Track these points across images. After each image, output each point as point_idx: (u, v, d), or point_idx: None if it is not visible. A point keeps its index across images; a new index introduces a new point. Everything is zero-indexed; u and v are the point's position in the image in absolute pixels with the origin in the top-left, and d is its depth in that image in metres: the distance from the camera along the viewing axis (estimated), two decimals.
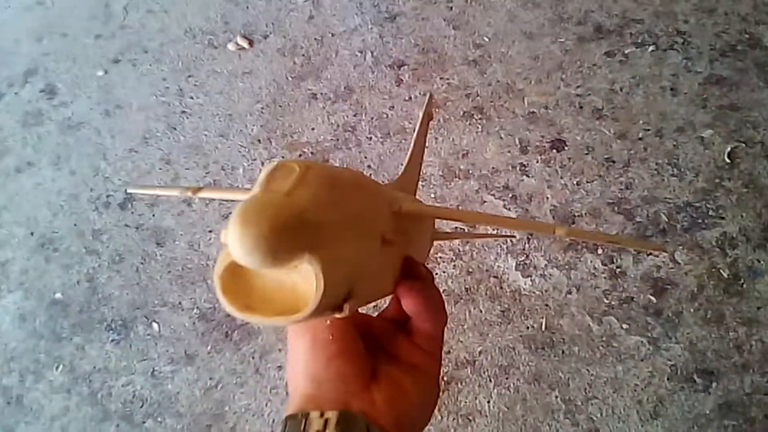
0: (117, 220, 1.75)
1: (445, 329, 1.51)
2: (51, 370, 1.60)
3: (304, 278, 0.37)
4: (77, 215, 1.77)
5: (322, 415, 0.43)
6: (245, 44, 1.97)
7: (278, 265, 0.35)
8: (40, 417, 1.56)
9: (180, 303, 1.63)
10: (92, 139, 1.88)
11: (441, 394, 1.47)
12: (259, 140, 1.81)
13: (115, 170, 1.82)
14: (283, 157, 1.71)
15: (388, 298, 0.53)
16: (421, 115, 0.69)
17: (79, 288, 1.68)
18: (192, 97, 1.91)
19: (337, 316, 0.39)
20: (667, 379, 1.45)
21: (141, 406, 1.54)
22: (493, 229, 1.57)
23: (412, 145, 0.67)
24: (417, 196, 0.67)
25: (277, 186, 0.37)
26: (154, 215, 1.74)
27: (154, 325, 1.61)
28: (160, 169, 1.80)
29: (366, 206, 0.44)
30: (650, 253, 1.56)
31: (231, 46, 1.98)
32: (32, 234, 1.77)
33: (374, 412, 0.45)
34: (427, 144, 0.76)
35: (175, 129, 1.87)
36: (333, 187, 0.39)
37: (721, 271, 1.54)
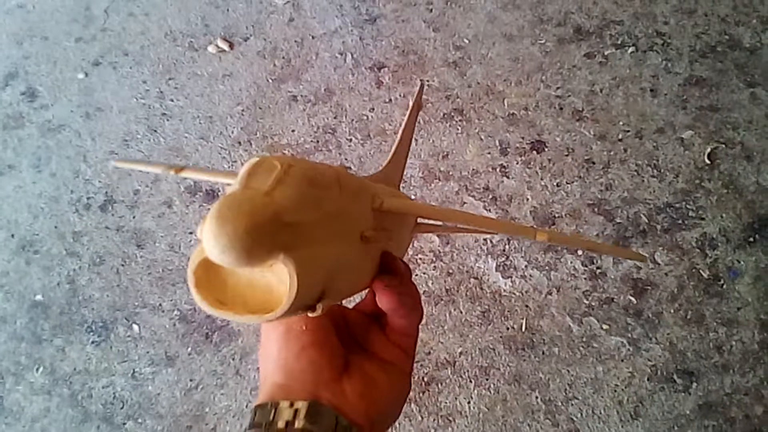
0: (97, 222, 1.74)
1: (426, 330, 1.51)
2: (31, 371, 1.60)
3: (278, 278, 0.37)
4: (58, 217, 1.77)
5: (291, 405, 0.43)
6: (225, 47, 1.97)
7: (252, 264, 0.35)
8: (20, 418, 1.55)
9: (160, 305, 1.63)
10: (73, 142, 1.87)
11: (421, 394, 1.47)
12: (239, 142, 1.81)
13: (95, 172, 1.82)
14: None
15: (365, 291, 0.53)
16: (411, 104, 0.68)
17: (59, 290, 1.67)
18: (172, 100, 1.91)
19: (310, 315, 0.39)
20: (648, 379, 1.46)
21: (121, 408, 1.54)
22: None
23: (399, 134, 0.67)
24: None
25: (257, 183, 0.36)
26: (134, 217, 1.73)
27: (135, 326, 1.61)
28: (140, 171, 1.80)
29: (346, 205, 0.43)
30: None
31: (211, 49, 1.97)
32: (13, 236, 1.76)
33: (345, 404, 0.45)
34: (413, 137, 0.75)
35: (155, 131, 1.86)
36: (314, 186, 0.39)
37: (701, 271, 1.54)
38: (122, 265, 1.68)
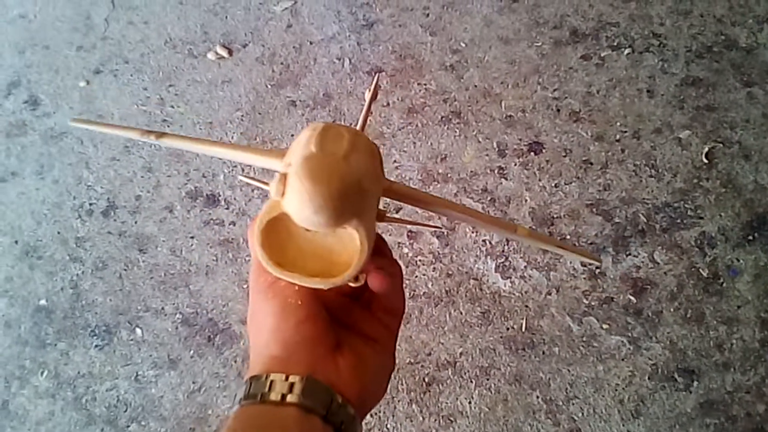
0: (100, 228, 1.75)
1: (426, 331, 1.51)
2: (36, 375, 1.60)
3: (341, 243, 0.39)
4: (61, 223, 1.78)
5: (286, 378, 0.43)
6: (225, 53, 1.98)
7: (335, 226, 0.37)
8: (25, 422, 1.56)
9: (163, 308, 1.63)
10: (75, 149, 1.89)
11: (422, 395, 1.47)
12: None
13: (97, 179, 1.83)
14: None
15: None
16: (368, 95, 0.67)
17: (63, 295, 1.68)
18: (173, 106, 1.92)
19: (353, 285, 0.41)
20: (648, 378, 1.46)
21: (125, 411, 1.54)
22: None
23: (361, 122, 0.65)
24: None
25: (332, 149, 0.37)
26: (136, 222, 1.75)
27: (138, 330, 1.62)
28: (142, 177, 1.81)
29: (379, 179, 0.45)
30: (629, 254, 1.57)
31: (211, 56, 1.99)
32: (16, 242, 1.77)
33: (339, 381, 0.45)
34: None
35: None
36: (374, 158, 0.41)
37: (701, 270, 1.55)
38: (125, 270, 1.69)
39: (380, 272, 0.48)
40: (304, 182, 0.34)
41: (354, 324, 0.51)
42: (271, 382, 0.43)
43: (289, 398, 0.42)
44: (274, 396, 0.42)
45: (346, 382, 0.45)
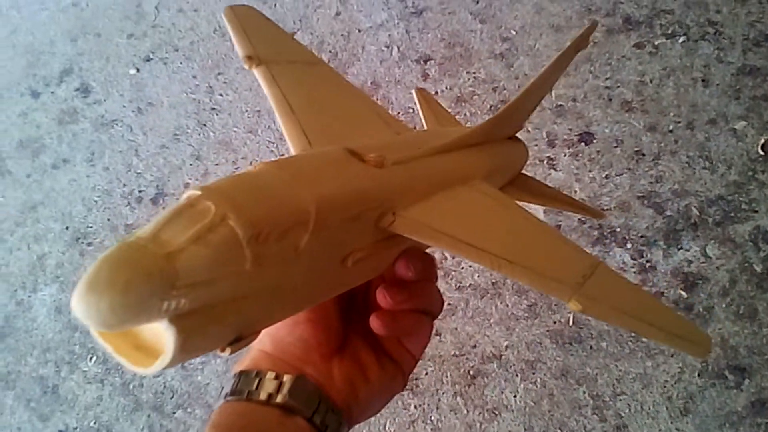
0: (149, 215, 1.78)
1: (472, 323, 1.49)
2: (85, 361, 1.64)
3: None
4: (111, 210, 1.81)
5: (277, 377, 0.43)
6: None
7: (120, 330, 0.30)
8: (74, 406, 1.59)
9: None
10: (125, 136, 1.92)
11: (467, 388, 1.47)
12: None
13: (146, 166, 1.85)
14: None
15: None
16: (571, 41, 0.59)
17: None
18: (221, 94, 1.93)
19: (220, 354, 0.34)
20: (698, 375, 1.43)
21: (171, 397, 1.57)
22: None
23: (542, 73, 0.58)
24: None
25: (170, 235, 0.29)
26: None
27: None
28: (191, 164, 1.83)
29: (315, 242, 0.36)
30: (681, 248, 1.54)
31: None
32: (67, 228, 1.80)
33: (329, 386, 0.45)
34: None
35: (205, 125, 1.89)
36: (252, 243, 0.31)
37: (754, 265, 1.51)
38: None
39: (379, 314, 0.45)
40: (80, 281, 0.27)
41: (378, 337, 0.49)
42: (260, 379, 0.43)
43: (278, 398, 0.42)
44: (263, 395, 0.42)
45: (335, 388, 0.45)
